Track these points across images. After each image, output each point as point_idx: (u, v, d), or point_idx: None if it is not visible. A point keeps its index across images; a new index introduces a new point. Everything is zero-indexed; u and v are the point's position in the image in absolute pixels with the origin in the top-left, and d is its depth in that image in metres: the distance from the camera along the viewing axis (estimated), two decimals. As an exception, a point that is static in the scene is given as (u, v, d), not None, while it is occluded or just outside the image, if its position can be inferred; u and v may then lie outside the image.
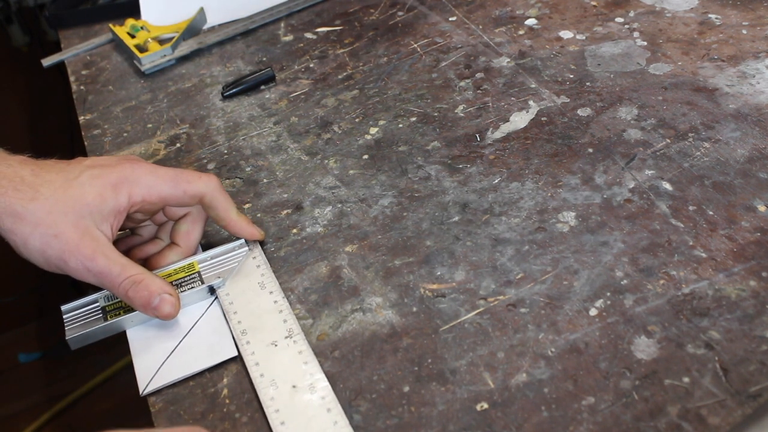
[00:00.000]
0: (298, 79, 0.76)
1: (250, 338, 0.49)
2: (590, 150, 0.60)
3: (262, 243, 0.56)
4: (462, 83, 0.71)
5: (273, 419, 0.44)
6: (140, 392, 0.47)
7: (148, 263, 0.55)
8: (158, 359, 0.49)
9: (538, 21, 0.78)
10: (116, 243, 0.55)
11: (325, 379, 0.46)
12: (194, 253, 0.55)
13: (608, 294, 0.49)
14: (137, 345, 0.50)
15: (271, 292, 0.51)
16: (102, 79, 0.82)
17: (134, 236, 0.57)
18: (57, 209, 0.48)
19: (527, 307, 0.49)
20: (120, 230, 0.53)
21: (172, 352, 0.49)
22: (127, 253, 0.56)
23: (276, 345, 0.48)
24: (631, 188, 0.56)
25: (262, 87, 0.76)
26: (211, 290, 0.52)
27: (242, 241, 0.55)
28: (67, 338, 0.50)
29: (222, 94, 0.75)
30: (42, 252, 0.48)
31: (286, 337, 0.48)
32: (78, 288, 1.46)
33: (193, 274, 0.53)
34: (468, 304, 0.49)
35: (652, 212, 0.54)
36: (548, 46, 0.74)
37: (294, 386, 0.45)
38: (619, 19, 0.76)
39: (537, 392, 0.44)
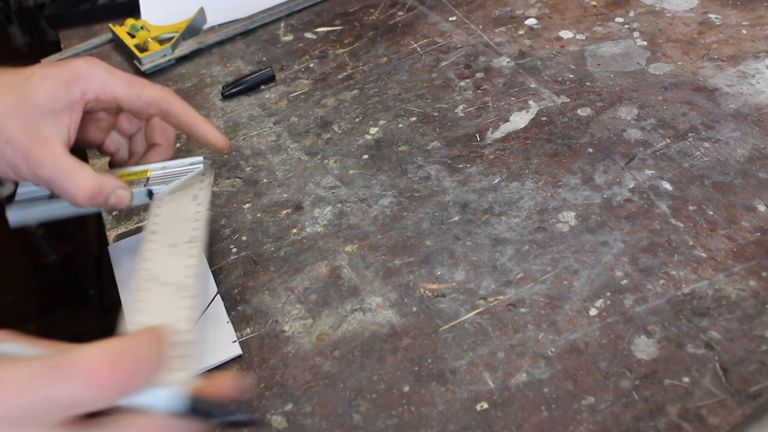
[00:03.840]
0: (298, 79, 0.76)
1: (156, 238, 0.49)
2: (590, 150, 0.60)
3: (262, 242, 0.56)
4: (462, 83, 0.71)
5: (129, 306, 0.44)
6: None
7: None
8: None
9: (538, 21, 0.78)
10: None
11: (215, 286, 0.46)
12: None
13: (608, 294, 0.49)
14: None
15: (199, 204, 0.52)
16: (102, 79, 0.82)
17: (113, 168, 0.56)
18: (8, 113, 0.47)
19: (527, 307, 0.49)
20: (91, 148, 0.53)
21: None
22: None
23: (175, 247, 0.48)
24: (631, 188, 0.56)
25: (262, 87, 0.76)
26: (150, 194, 0.53)
27: (201, 160, 0.55)
28: (7, 213, 0.50)
29: (222, 93, 0.75)
30: (9, 167, 0.48)
31: (188, 243, 0.48)
32: (78, 287, 1.46)
33: (143, 179, 0.53)
34: (468, 304, 0.49)
35: (652, 212, 0.54)
36: (548, 46, 0.74)
37: (169, 282, 0.45)
38: (619, 19, 0.76)
39: (537, 392, 0.44)
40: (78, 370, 0.29)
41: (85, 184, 0.48)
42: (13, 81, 0.49)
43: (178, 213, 0.51)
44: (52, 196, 0.52)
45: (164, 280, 0.45)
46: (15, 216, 0.51)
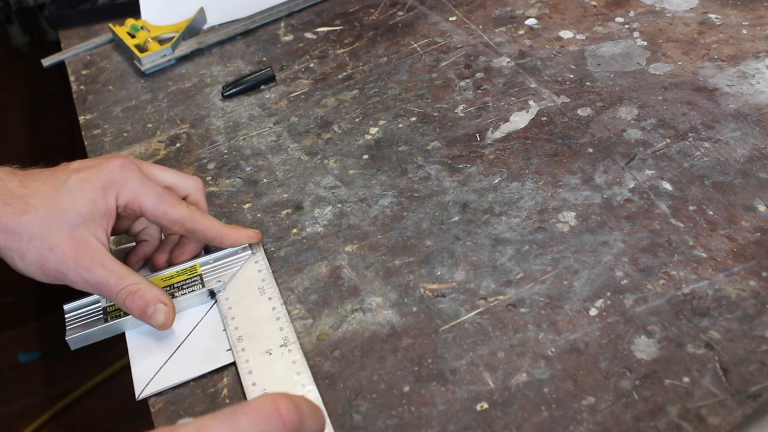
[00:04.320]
0: (298, 79, 0.76)
1: (246, 345, 0.48)
2: (590, 150, 0.60)
3: (262, 242, 0.56)
4: (462, 83, 0.71)
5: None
6: (136, 396, 0.47)
7: (173, 262, 0.54)
8: (156, 364, 0.49)
9: (538, 21, 0.78)
10: (129, 256, 0.55)
11: (317, 390, 0.45)
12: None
13: (608, 294, 0.49)
14: (136, 350, 0.50)
15: (270, 299, 0.51)
16: (102, 78, 0.82)
17: (142, 244, 0.56)
18: (49, 220, 0.47)
19: (527, 307, 0.49)
20: (115, 234, 0.52)
21: (170, 357, 0.49)
22: (146, 262, 0.56)
23: (270, 353, 0.48)
24: (631, 188, 0.56)
25: (262, 87, 0.76)
26: (212, 294, 0.52)
27: (247, 245, 0.55)
28: (66, 338, 0.50)
29: (222, 93, 0.75)
30: (39, 266, 0.48)
31: (281, 346, 0.48)
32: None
33: (195, 276, 0.53)
34: (468, 304, 0.49)
35: (652, 212, 0.54)
36: (548, 46, 0.74)
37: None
38: (619, 19, 0.76)
39: (537, 392, 0.44)
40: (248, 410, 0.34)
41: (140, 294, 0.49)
42: (48, 187, 0.49)
43: (255, 312, 0.50)
44: (107, 318, 0.51)
45: (275, 391, 0.44)
46: (76, 342, 0.50)
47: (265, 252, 0.56)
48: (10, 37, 1.39)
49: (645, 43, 0.72)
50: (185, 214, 0.51)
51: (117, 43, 0.87)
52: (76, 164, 0.51)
